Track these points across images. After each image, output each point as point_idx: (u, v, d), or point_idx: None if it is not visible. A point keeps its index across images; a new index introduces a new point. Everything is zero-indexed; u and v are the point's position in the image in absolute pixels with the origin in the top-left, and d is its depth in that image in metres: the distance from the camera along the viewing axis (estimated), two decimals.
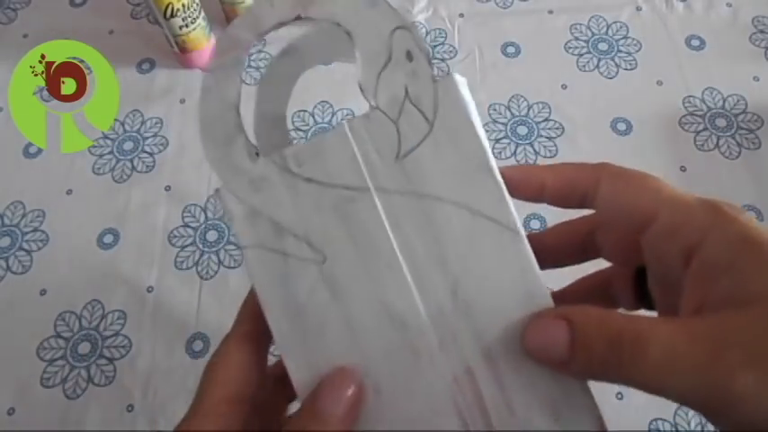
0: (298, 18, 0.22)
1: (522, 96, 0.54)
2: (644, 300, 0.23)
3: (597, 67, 0.56)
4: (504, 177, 0.21)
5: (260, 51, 0.57)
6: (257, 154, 0.22)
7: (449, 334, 0.20)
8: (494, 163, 0.21)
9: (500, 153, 0.51)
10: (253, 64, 0.57)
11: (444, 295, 0.20)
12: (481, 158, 0.21)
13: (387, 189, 0.21)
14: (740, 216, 0.18)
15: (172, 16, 0.51)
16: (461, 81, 0.21)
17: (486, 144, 0.21)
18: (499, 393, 0.20)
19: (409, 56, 0.21)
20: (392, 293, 0.20)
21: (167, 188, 0.51)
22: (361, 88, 0.21)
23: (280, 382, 0.23)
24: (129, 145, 0.53)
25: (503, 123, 0.53)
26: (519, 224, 0.21)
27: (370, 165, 0.21)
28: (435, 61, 0.57)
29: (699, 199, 0.19)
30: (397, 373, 0.20)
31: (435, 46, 0.58)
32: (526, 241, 0.20)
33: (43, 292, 0.47)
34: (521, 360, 0.20)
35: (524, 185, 0.22)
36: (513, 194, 0.21)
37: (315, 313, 0.21)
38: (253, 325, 0.23)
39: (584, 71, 0.56)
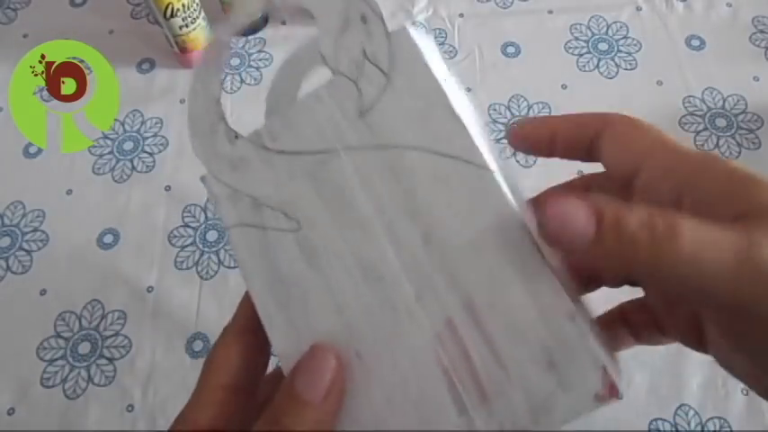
0: (267, 4, 0.22)
1: (522, 96, 0.54)
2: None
3: (597, 67, 0.56)
4: (515, 132, 0.21)
5: (260, 51, 0.57)
6: (236, 137, 0.22)
7: (425, 284, 0.19)
8: (455, 101, 0.20)
9: (500, 153, 0.51)
10: (253, 64, 0.57)
11: (417, 244, 0.20)
12: (440, 99, 0.20)
13: (353, 147, 0.21)
14: (734, 161, 0.18)
15: (172, 16, 0.51)
16: (418, 31, 0.21)
17: (446, 85, 0.21)
18: (485, 346, 0.19)
19: (364, 19, 0.21)
20: (366, 250, 0.20)
21: (167, 188, 0.51)
22: (323, 59, 0.21)
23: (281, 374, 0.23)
24: (129, 145, 0.53)
25: (503, 123, 0.53)
26: (488, 159, 0.20)
27: (335, 127, 0.21)
28: None
29: (694, 149, 0.19)
30: (378, 334, 0.20)
31: None
32: (499, 177, 0.19)
33: (43, 292, 0.47)
34: (505, 307, 0.18)
35: (536, 134, 0.22)
36: (526, 148, 0.22)
37: (296, 283, 0.21)
38: (252, 316, 0.22)
39: (584, 71, 0.56)
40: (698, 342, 0.21)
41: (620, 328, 0.24)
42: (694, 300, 0.18)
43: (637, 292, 0.23)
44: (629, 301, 0.24)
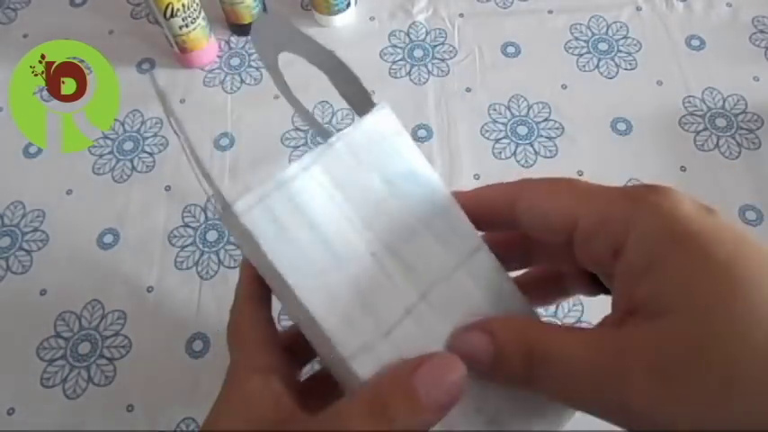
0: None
1: (522, 96, 0.54)
2: (598, 285, 0.22)
3: (597, 67, 0.56)
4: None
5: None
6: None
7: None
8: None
9: (500, 153, 0.51)
10: (253, 64, 0.57)
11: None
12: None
13: None
14: (665, 202, 0.17)
15: (172, 16, 0.51)
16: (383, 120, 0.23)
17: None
18: None
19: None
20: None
21: (167, 188, 0.51)
22: None
23: (289, 350, 0.24)
24: (129, 145, 0.53)
25: (503, 123, 0.53)
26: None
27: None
28: (435, 61, 0.57)
29: (619, 190, 0.18)
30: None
31: (435, 46, 0.58)
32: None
33: (43, 292, 0.47)
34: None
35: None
36: None
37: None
38: (256, 286, 0.24)
39: (584, 71, 0.56)
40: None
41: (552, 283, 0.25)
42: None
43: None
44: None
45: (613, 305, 0.19)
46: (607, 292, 0.21)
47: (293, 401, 0.20)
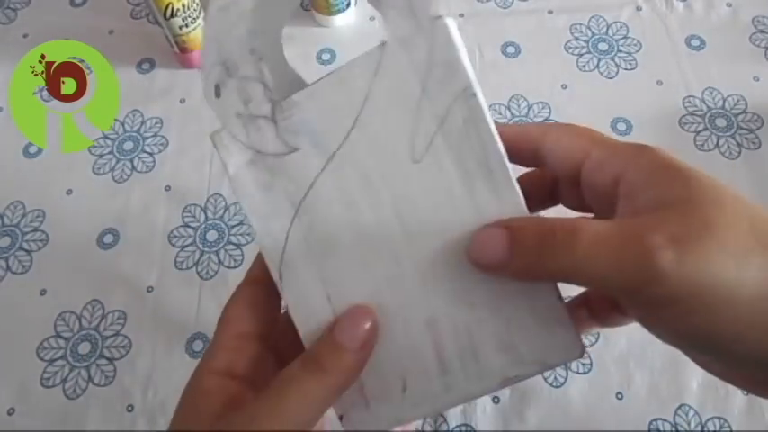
0: None
1: (522, 96, 0.54)
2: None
3: (597, 67, 0.56)
4: None
5: None
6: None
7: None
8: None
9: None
10: None
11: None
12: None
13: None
14: (661, 151, 0.21)
15: (172, 16, 0.51)
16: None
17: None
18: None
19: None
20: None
21: (167, 188, 0.51)
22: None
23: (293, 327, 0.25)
24: (129, 145, 0.53)
25: (503, 123, 0.53)
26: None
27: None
28: None
29: (626, 142, 0.22)
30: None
31: None
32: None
33: (43, 292, 0.47)
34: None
35: None
36: None
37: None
38: (262, 272, 0.25)
39: (584, 71, 0.56)
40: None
41: (585, 313, 0.26)
42: (599, 288, 0.22)
43: None
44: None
45: (618, 216, 0.21)
46: None
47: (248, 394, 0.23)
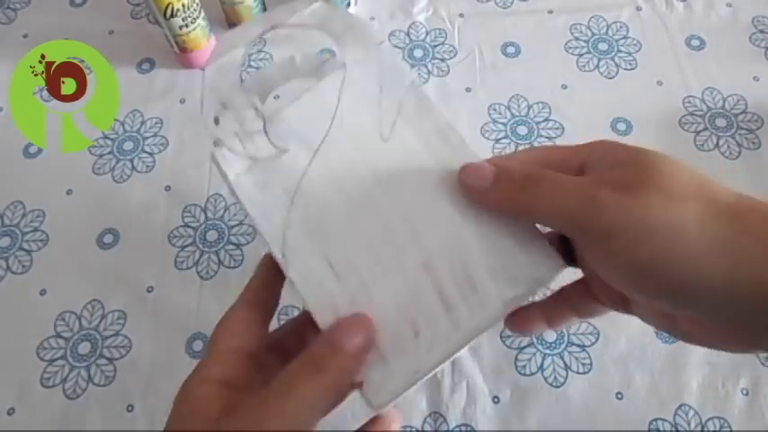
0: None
1: (522, 96, 0.54)
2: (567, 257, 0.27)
3: (597, 67, 0.56)
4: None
5: (260, 51, 0.57)
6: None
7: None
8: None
9: (500, 153, 0.51)
10: (253, 64, 0.57)
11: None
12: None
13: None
14: (622, 144, 0.25)
15: (172, 16, 0.51)
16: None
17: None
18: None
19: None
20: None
21: (167, 188, 0.51)
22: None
23: (274, 350, 0.28)
24: (129, 145, 0.53)
25: (503, 123, 0.53)
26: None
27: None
28: (435, 61, 0.57)
29: (632, 145, 0.25)
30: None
31: (435, 46, 0.58)
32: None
33: (43, 292, 0.47)
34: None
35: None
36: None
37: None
38: (257, 293, 0.28)
39: (585, 71, 0.56)
40: (625, 307, 0.27)
41: (563, 304, 0.30)
42: (563, 229, 0.25)
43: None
44: (570, 283, 0.30)
45: None
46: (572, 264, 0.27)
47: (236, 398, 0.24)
